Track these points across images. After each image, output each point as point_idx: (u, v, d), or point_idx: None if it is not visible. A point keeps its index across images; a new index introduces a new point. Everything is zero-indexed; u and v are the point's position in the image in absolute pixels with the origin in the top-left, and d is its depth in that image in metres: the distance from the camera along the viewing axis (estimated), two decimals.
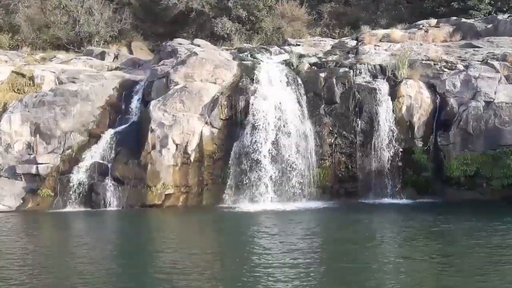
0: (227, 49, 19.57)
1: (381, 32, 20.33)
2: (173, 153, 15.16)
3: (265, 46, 20.44)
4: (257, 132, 15.31)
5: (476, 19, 21.21)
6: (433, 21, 20.92)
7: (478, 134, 15.39)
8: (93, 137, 16.01)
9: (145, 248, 9.72)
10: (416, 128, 15.91)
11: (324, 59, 18.03)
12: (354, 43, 19.61)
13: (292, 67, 17.34)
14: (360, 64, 17.11)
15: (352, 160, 15.83)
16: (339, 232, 10.83)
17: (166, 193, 14.90)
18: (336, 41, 20.73)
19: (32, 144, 15.79)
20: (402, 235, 10.31)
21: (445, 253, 8.56)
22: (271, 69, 17.00)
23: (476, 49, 17.98)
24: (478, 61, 16.84)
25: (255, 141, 15.22)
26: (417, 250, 8.88)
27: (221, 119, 15.73)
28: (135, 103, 16.85)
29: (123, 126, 16.21)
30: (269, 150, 15.18)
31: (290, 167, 15.23)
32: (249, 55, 18.69)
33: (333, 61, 17.72)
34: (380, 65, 17.05)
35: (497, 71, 16.17)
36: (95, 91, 16.84)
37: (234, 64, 17.18)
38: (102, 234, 11.51)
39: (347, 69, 16.91)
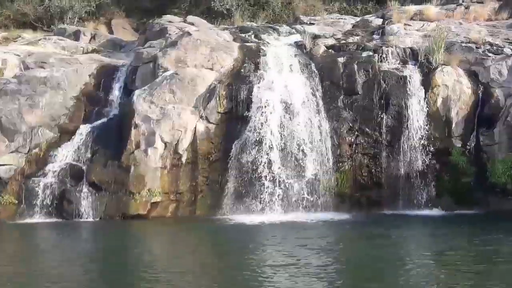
0: (226, 29, 19.51)
1: (412, 8, 20.23)
2: (161, 153, 15.12)
3: (272, 25, 20.39)
4: (262, 129, 15.27)
5: None
6: None
7: None
8: (65, 134, 15.95)
9: (125, 268, 9.66)
10: (453, 125, 15.88)
11: (343, 41, 17.97)
12: (379, 21, 19.59)
13: (304, 50, 17.32)
14: (387, 47, 17.07)
15: (377, 163, 15.79)
16: (361, 253, 10.67)
17: (152, 201, 14.87)
18: (358, 19, 20.69)
19: None
20: (440, 258, 10.17)
21: (496, 282, 8.38)
22: (279, 53, 16.98)
23: None
24: None
25: (260, 139, 15.18)
26: (462, 277, 8.68)
27: (219, 112, 15.70)
28: (115, 93, 16.80)
29: (101, 121, 16.16)
30: (275, 150, 15.14)
31: (301, 171, 15.21)
32: (253, 35, 18.64)
33: (354, 43, 17.67)
34: (411, 49, 17.02)
35: None
36: (67, 78, 16.78)
37: (235, 46, 17.16)
38: (74, 250, 11.43)
39: (371, 53, 16.87)
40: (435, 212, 15.21)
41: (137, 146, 15.14)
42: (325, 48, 17.41)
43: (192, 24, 19.69)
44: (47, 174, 15.09)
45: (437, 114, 15.93)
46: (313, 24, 19.77)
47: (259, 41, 18.08)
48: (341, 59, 16.66)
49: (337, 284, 8.48)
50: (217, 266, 9.93)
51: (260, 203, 14.85)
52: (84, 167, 15.21)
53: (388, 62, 16.67)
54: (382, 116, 15.92)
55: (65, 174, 15.07)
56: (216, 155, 15.43)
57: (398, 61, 16.74)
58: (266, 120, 15.40)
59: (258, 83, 15.90)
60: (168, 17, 20.91)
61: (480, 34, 17.65)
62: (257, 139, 15.22)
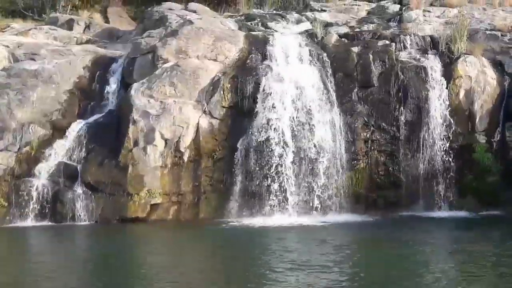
0: (231, 16, 19.58)
1: None
2: (161, 151, 15.13)
3: (280, 12, 20.40)
4: (270, 124, 15.27)
5: None
6: None
7: None
8: (58, 131, 15.95)
9: (122, 278, 9.61)
10: (477, 119, 15.86)
11: (357, 29, 18.03)
12: (396, 8, 19.77)
13: (315, 40, 17.36)
14: (405, 35, 17.13)
15: (394, 161, 15.79)
16: (381, 264, 10.37)
17: (152, 203, 14.90)
18: (374, 5, 20.77)
19: None
20: (468, 268, 9.89)
21: None
22: (288, 42, 16.96)
23: None
24: None
25: (268, 135, 15.17)
26: None
27: (224, 107, 15.72)
28: (112, 87, 16.81)
29: (96, 116, 16.20)
30: (285, 147, 15.13)
31: (312, 170, 15.21)
32: (259, 24, 18.74)
33: (369, 31, 17.71)
34: (431, 37, 17.05)
35: None
36: (60, 70, 16.81)
37: (241, 35, 17.16)
38: (67, 257, 11.40)
39: (387, 42, 16.88)
40: (458, 214, 15.20)
41: (136, 143, 15.14)
42: (338, 37, 17.41)
43: (194, 11, 19.75)
44: (39, 174, 15.10)
45: (460, 108, 15.92)
46: (324, 11, 19.90)
47: (267, 30, 18.18)
48: (355, 49, 16.65)
49: None
50: (218, 273, 9.82)
51: (270, 205, 14.87)
52: (78, 167, 15.21)
53: (406, 52, 16.70)
54: (399, 110, 15.90)
55: (58, 174, 15.08)
56: (220, 153, 15.44)
57: (417, 51, 16.76)
58: (275, 114, 15.39)
59: (266, 75, 15.90)
60: (168, 4, 20.91)
61: (505, 21, 17.70)
62: (265, 135, 15.22)
